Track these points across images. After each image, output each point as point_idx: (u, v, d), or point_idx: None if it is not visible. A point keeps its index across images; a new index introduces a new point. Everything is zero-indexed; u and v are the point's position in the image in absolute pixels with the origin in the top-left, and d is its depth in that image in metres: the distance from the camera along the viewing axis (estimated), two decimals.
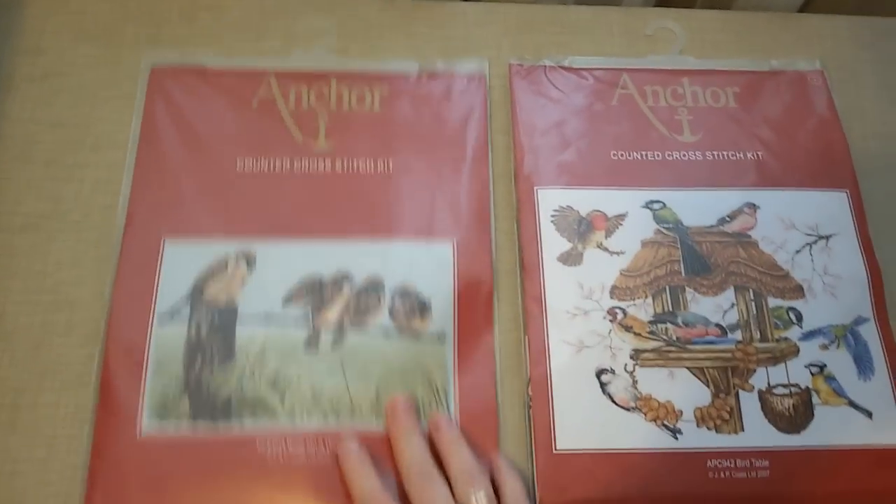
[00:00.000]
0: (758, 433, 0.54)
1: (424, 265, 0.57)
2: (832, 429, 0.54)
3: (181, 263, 0.56)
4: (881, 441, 0.54)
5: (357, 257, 0.57)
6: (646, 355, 0.56)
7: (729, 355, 0.56)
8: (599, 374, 0.55)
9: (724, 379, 0.56)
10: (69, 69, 0.63)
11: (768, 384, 0.56)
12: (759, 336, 0.57)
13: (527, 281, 0.58)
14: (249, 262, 0.56)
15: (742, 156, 0.63)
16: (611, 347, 0.56)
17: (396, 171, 0.60)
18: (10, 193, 0.59)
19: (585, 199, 0.61)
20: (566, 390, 0.55)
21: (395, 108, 0.62)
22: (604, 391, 0.55)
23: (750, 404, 0.55)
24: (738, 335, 0.57)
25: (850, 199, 0.62)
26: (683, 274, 0.59)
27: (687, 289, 0.58)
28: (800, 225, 0.60)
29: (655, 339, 0.56)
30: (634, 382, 0.55)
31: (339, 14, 0.67)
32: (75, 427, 0.53)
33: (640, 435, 0.54)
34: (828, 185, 0.62)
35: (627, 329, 0.57)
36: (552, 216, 0.60)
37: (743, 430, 0.54)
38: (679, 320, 0.57)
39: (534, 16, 0.69)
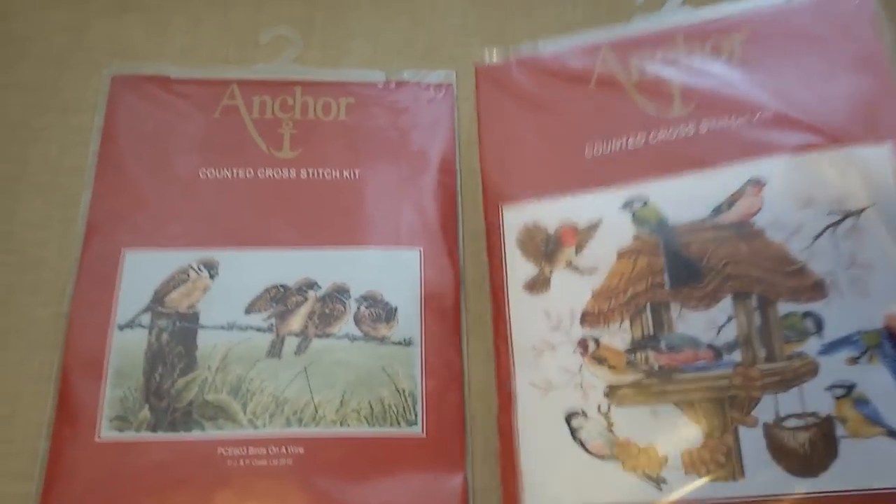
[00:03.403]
0: (763, 478, 0.43)
1: (391, 273, 0.56)
2: (863, 468, 0.42)
3: (141, 273, 0.55)
4: None
5: (322, 265, 0.56)
6: (622, 392, 0.47)
7: (725, 383, 0.45)
8: (569, 418, 0.47)
9: (720, 413, 0.45)
10: (37, 34, 0.64)
11: (777, 415, 0.44)
12: (764, 354, 0.45)
13: (496, 317, 0.51)
14: (211, 270, 0.56)
15: (748, 118, 0.50)
16: (581, 385, 0.47)
17: (363, 180, 0.59)
18: None
19: (555, 211, 0.52)
20: (533, 440, 0.47)
21: (362, 116, 0.61)
22: (574, 438, 0.46)
23: (753, 442, 0.44)
24: (738, 356, 0.45)
25: None
26: (668, 286, 0.48)
27: (672, 305, 0.47)
28: (820, 199, 0.47)
29: (634, 372, 0.46)
30: (610, 426, 0.46)
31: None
32: (40, 384, 0.52)
33: (617, 487, 0.45)
34: (870, 136, 0.47)
35: (601, 362, 0.47)
36: (518, 237, 0.52)
37: (743, 475, 0.44)
38: (662, 345, 0.46)
39: None
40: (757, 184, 0.48)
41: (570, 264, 0.50)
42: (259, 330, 0.54)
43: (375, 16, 0.66)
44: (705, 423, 0.45)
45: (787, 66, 0.51)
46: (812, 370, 0.45)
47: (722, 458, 0.44)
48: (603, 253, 0.50)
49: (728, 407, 0.45)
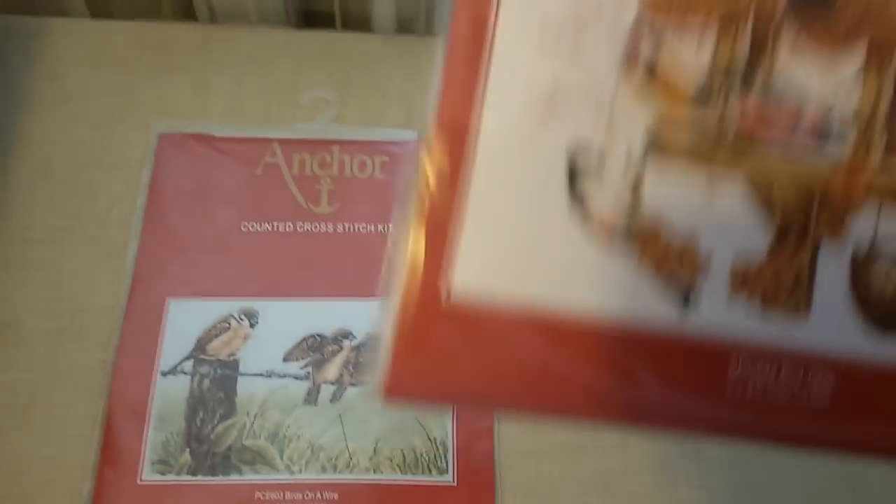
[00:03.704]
0: (831, 323, 0.30)
1: None
2: None
3: (185, 321, 0.58)
4: None
5: (358, 315, 0.58)
6: (673, 144, 0.30)
7: (823, 175, 0.30)
8: (574, 156, 0.30)
9: (802, 217, 0.30)
10: (88, 95, 0.67)
11: (873, 241, 0.30)
12: (882, 149, 0.30)
13: None
14: (252, 320, 0.58)
15: None
16: (611, 115, 0.30)
17: None
18: (30, 208, 0.62)
19: None
20: (495, 179, 0.31)
21: (395, 174, 0.64)
22: (573, 192, 0.30)
23: (832, 270, 0.30)
24: (848, 142, 0.30)
25: None
26: (782, 7, 0.31)
27: (784, 32, 0.31)
28: None
29: (700, 116, 0.30)
30: (636, 189, 0.30)
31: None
32: (85, 427, 0.54)
33: (619, 290, 0.30)
34: None
35: (653, 86, 0.30)
36: None
37: (808, 313, 0.30)
38: (756, 85, 0.30)
39: None
40: None
41: None
42: (296, 378, 0.56)
43: (407, 78, 0.68)
44: (780, 222, 0.30)
45: None
46: None
47: (787, 281, 0.30)
48: None
49: (817, 209, 0.30)
